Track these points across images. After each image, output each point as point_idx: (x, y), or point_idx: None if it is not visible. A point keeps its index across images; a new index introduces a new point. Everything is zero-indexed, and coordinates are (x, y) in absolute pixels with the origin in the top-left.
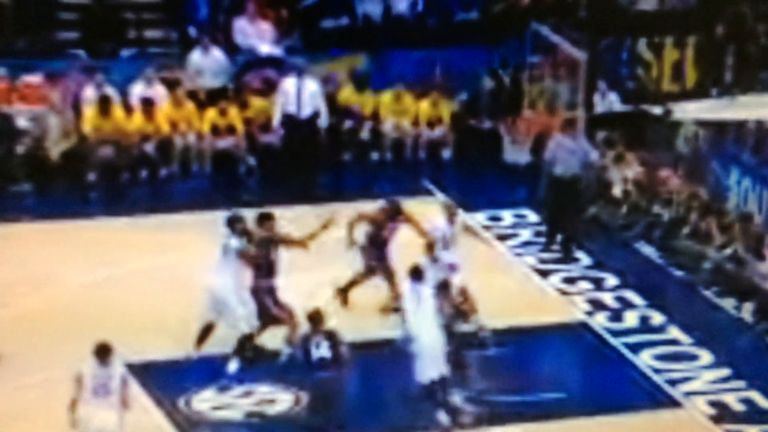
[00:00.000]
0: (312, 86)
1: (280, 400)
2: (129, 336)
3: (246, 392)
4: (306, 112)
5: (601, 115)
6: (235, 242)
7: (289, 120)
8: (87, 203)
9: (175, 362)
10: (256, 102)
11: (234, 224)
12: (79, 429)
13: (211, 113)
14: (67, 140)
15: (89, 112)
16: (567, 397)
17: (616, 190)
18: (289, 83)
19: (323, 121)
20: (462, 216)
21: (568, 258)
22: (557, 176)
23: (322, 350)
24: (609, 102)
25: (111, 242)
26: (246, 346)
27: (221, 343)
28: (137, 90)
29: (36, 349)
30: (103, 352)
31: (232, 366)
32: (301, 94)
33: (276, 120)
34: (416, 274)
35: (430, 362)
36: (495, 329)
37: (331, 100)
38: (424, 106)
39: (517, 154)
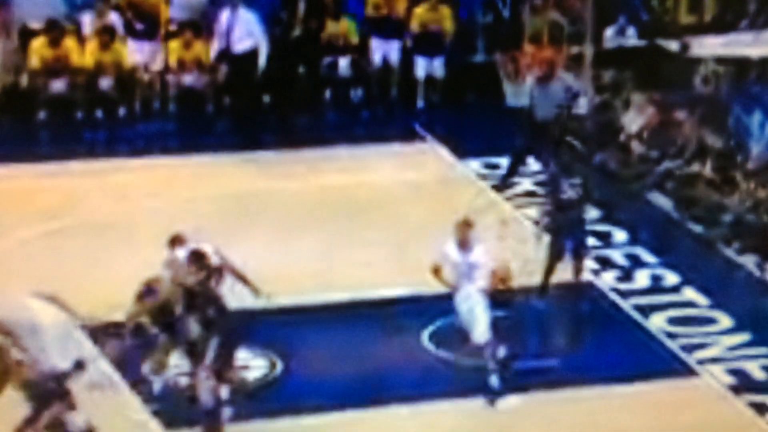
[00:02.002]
0: (246, 17)
1: (255, 366)
2: (83, 295)
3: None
4: (240, 47)
5: (610, 51)
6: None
7: (223, 56)
8: (36, 145)
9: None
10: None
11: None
12: None
13: (175, 45)
14: (11, 73)
15: (36, 41)
16: (570, 365)
17: (626, 136)
18: (223, 14)
19: (262, 58)
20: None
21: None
22: (537, 121)
23: None
24: (627, 38)
25: (62, 189)
26: None
27: None
28: (88, 20)
29: None
30: None
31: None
32: (232, 26)
33: (212, 56)
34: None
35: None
36: (493, 290)
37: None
38: (420, 11)
39: (516, 94)
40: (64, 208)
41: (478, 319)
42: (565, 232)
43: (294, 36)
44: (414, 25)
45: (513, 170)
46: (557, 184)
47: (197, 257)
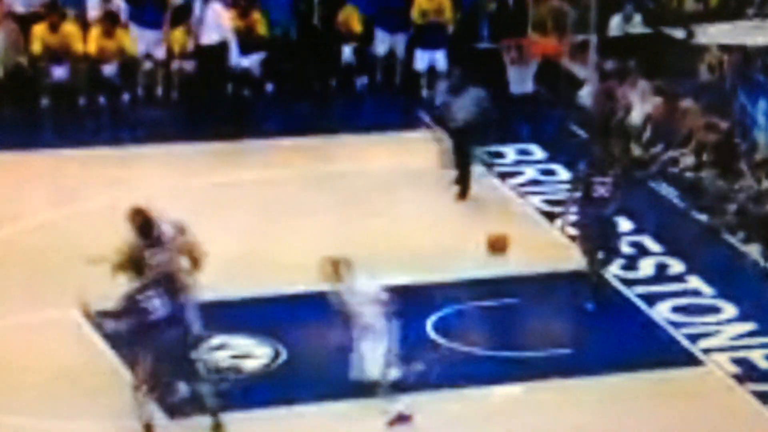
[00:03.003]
0: (216, 9)
1: (258, 354)
2: (88, 281)
3: (220, 345)
4: (208, 39)
5: (614, 38)
6: None
7: (196, 48)
8: (38, 132)
9: None
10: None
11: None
12: None
13: (179, 34)
14: (13, 58)
15: (38, 26)
16: (574, 353)
17: (631, 124)
18: (196, 6)
19: (233, 53)
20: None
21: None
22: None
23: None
24: (632, 26)
25: (66, 176)
26: None
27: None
28: (92, 6)
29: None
30: None
31: None
32: (203, 17)
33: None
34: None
35: None
36: (496, 278)
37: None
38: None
39: (521, 82)
40: (65, 195)
41: (366, 356)
42: (595, 229)
43: (310, 25)
44: (415, 15)
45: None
46: (589, 181)
47: (145, 226)
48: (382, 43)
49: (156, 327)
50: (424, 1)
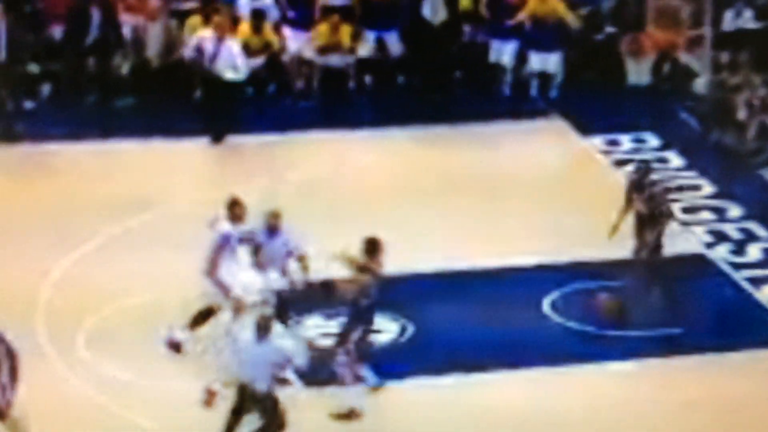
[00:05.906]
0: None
1: (386, 330)
2: None
3: None
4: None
5: (728, 32)
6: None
7: None
8: (192, 120)
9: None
10: None
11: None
12: None
13: (324, 29)
14: (170, 52)
15: (192, 19)
16: (684, 333)
17: (741, 114)
18: None
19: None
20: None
21: None
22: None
23: None
24: (743, 21)
25: (217, 163)
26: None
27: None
28: (244, 3)
29: (147, 267)
30: None
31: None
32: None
33: None
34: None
35: None
36: (609, 261)
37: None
38: (532, 2)
39: (638, 74)
40: (217, 181)
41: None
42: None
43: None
44: (526, 18)
45: None
46: (645, 178)
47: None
48: (494, 53)
49: None
50: (535, 3)
